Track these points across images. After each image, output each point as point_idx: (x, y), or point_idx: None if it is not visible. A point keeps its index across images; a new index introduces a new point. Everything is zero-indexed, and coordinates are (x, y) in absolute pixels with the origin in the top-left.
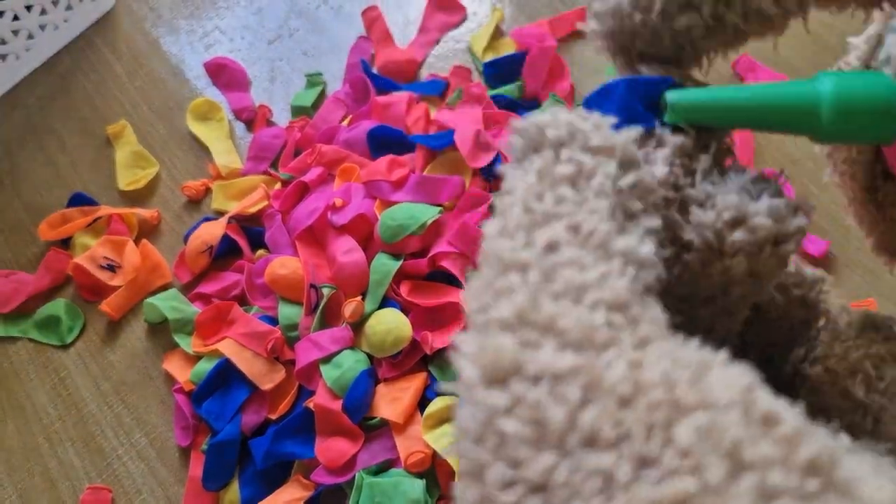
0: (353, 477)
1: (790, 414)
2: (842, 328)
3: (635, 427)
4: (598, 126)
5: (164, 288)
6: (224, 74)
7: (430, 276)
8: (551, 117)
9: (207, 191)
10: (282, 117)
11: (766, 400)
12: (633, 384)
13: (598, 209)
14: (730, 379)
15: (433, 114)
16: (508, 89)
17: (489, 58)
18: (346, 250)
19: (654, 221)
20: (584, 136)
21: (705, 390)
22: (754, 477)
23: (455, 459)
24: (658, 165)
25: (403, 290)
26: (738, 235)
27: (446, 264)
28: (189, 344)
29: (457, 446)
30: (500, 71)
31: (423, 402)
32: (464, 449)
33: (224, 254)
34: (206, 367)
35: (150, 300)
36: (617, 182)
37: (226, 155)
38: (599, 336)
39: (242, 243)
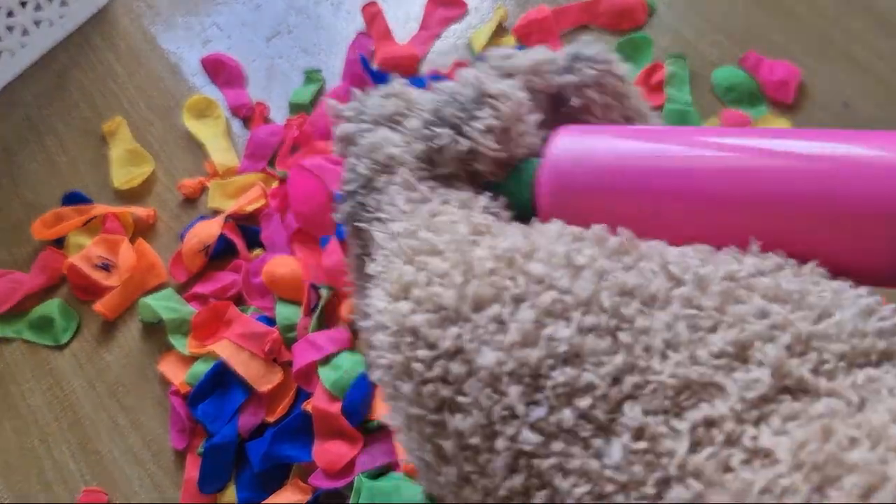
0: (352, 481)
1: None
2: None
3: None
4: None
5: (160, 288)
6: (222, 71)
7: None
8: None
9: (204, 189)
10: (279, 115)
11: None
12: (493, 258)
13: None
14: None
15: None
16: None
17: None
18: (329, 252)
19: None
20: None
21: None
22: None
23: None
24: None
25: None
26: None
27: None
28: (185, 345)
29: (379, 360)
30: None
31: None
32: (388, 360)
33: (221, 253)
34: (202, 368)
35: (145, 300)
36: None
37: (223, 153)
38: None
39: (239, 242)
